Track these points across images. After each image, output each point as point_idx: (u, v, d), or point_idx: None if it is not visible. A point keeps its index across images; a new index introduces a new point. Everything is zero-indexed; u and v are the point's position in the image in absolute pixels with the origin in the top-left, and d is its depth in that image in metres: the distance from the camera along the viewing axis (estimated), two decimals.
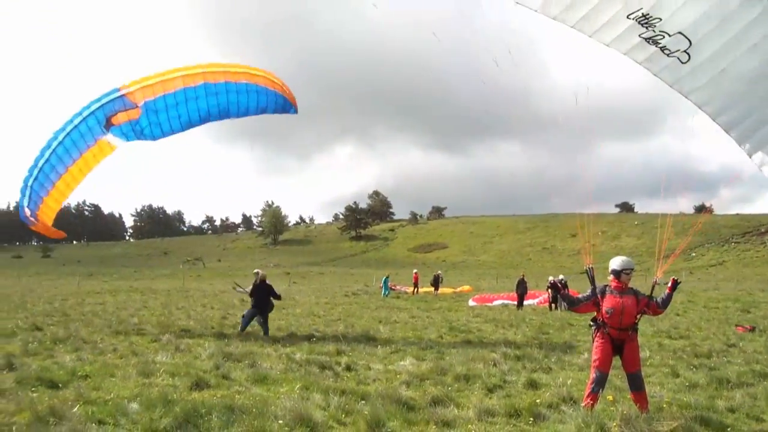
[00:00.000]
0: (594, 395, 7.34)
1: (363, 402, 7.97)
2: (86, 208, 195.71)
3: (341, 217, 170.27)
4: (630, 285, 7.60)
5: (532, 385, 9.34)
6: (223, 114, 15.31)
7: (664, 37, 5.95)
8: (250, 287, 16.03)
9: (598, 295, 7.53)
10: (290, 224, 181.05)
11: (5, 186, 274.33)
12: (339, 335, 15.28)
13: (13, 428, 6.30)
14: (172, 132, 15.28)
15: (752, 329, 17.16)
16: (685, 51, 5.99)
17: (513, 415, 7.42)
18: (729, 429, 6.94)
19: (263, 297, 15.65)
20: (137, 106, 14.67)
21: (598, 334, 7.53)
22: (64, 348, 12.64)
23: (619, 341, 7.42)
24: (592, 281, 7.63)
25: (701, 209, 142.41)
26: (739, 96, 6.24)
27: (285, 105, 15.92)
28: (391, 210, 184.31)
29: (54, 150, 14.80)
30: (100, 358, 11.39)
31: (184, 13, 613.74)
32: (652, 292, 7.63)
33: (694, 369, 10.89)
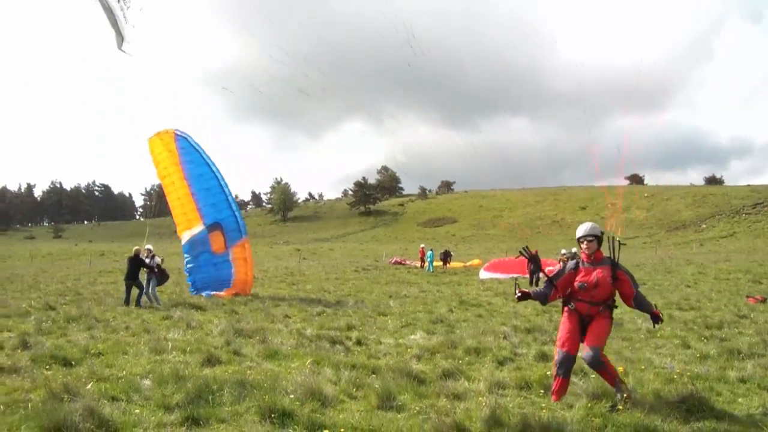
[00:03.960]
0: (559, 379, 6.58)
1: (374, 376, 8.01)
2: (96, 188, 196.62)
3: (350, 192, 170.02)
4: (605, 255, 6.79)
5: (543, 357, 9.34)
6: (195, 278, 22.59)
7: None
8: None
9: (566, 273, 6.79)
10: (299, 201, 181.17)
11: (18, 168, 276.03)
12: (349, 310, 15.34)
13: (29, 405, 6.38)
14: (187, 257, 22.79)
15: (763, 300, 17.10)
16: None
17: (524, 387, 7.42)
18: (740, 400, 6.92)
19: (131, 269, 17.87)
20: (216, 255, 21.45)
21: (564, 309, 6.90)
22: (77, 326, 12.77)
23: (588, 318, 6.68)
24: (537, 264, 7.24)
25: (711, 181, 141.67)
26: None
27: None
28: (400, 185, 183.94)
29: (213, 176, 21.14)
30: (113, 336, 11.50)
31: None
32: (612, 253, 6.68)
33: (705, 340, 10.86)
